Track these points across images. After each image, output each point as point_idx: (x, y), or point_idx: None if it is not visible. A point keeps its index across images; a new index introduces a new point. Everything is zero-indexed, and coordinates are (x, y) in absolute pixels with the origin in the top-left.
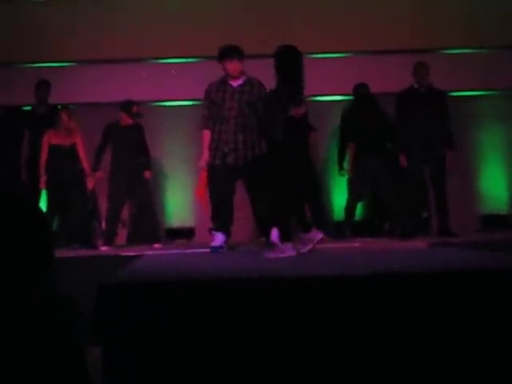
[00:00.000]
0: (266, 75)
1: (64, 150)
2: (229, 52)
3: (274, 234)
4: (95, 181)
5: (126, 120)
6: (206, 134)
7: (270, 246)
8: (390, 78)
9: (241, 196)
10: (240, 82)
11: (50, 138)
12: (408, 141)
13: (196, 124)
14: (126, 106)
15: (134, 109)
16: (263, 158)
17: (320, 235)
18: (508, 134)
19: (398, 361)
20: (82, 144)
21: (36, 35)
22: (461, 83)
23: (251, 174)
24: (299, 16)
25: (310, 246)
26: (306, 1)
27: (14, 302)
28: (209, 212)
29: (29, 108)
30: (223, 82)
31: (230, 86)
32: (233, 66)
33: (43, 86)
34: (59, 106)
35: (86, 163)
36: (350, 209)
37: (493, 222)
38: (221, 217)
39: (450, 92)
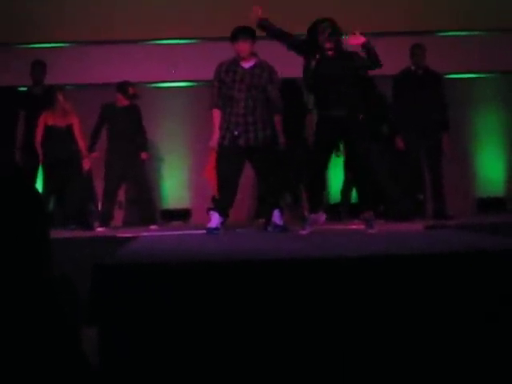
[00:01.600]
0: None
1: (60, 130)
2: (240, 32)
3: (277, 215)
4: (91, 162)
5: (122, 101)
6: (216, 114)
7: (273, 226)
8: (387, 60)
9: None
10: (251, 63)
11: (46, 119)
12: (404, 123)
13: (193, 105)
14: (122, 87)
15: (131, 90)
16: (274, 140)
17: (323, 217)
18: (505, 117)
19: (397, 342)
20: (79, 125)
21: (32, 16)
22: (458, 66)
23: (261, 155)
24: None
25: (310, 228)
26: None
27: (10, 281)
28: (210, 193)
29: (24, 89)
30: (234, 62)
31: (241, 67)
32: (243, 46)
33: (38, 66)
34: (56, 87)
35: (82, 144)
36: (346, 191)
37: (489, 204)
38: (223, 197)
39: (446, 74)
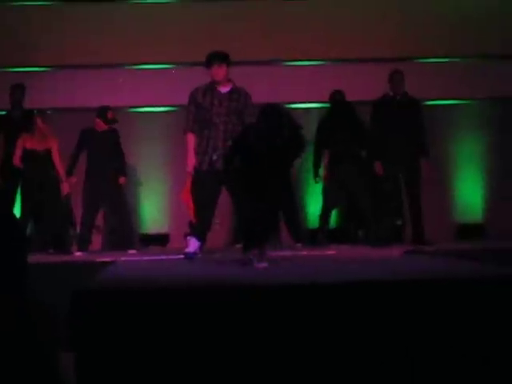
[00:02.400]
0: (244, 83)
1: (38, 154)
2: (215, 57)
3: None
4: (70, 186)
5: (101, 125)
6: (191, 138)
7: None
8: (366, 86)
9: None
10: (228, 88)
11: (24, 142)
12: (383, 149)
13: (172, 130)
14: (101, 111)
15: (109, 114)
16: None
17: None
18: (483, 143)
19: (367, 367)
20: (57, 150)
21: (12, 39)
22: (438, 92)
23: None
24: (278, 23)
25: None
26: (285, 9)
27: None
28: (187, 217)
29: (3, 112)
30: (211, 87)
31: (218, 91)
32: (218, 71)
33: (18, 89)
34: (35, 111)
35: (60, 169)
36: (324, 216)
37: (468, 231)
38: (200, 222)
39: (425, 101)
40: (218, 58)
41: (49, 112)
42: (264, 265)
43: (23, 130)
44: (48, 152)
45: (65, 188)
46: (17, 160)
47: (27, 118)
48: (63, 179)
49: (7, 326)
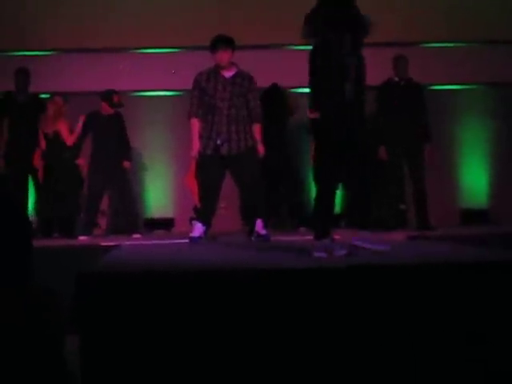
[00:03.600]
0: (248, 67)
1: (48, 137)
2: (220, 42)
3: (259, 224)
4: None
5: (107, 109)
6: (196, 123)
7: (256, 236)
8: (370, 71)
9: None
10: (232, 73)
11: (41, 126)
12: (387, 134)
13: (176, 114)
14: (107, 95)
15: (115, 98)
16: (255, 149)
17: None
18: (488, 128)
19: (375, 354)
20: (66, 130)
21: (16, 24)
22: (442, 77)
23: (244, 164)
24: (280, 7)
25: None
26: None
27: None
28: (192, 202)
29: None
30: (214, 71)
31: (222, 76)
32: (223, 55)
33: (22, 74)
34: (43, 95)
35: (70, 141)
36: None
37: (472, 216)
38: (205, 207)
39: (430, 85)
40: (223, 42)
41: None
42: (345, 251)
43: (28, 114)
44: (57, 134)
45: (83, 167)
46: (42, 145)
47: (32, 102)
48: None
49: (13, 314)
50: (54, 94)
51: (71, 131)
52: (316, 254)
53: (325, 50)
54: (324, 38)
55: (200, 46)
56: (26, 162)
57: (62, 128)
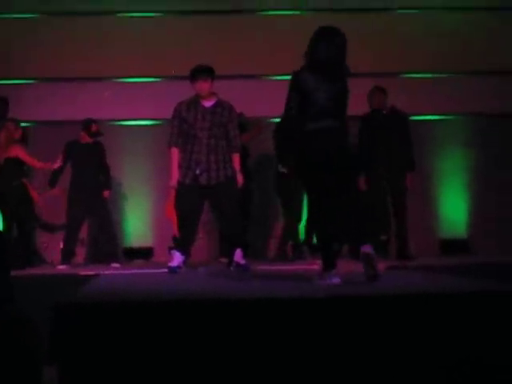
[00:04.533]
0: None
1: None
2: (199, 71)
3: (239, 254)
4: (53, 197)
5: (86, 138)
6: (175, 152)
7: (236, 265)
8: (354, 101)
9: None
10: (212, 102)
11: None
12: (370, 162)
13: (156, 143)
14: (85, 124)
15: (93, 127)
16: (234, 178)
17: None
18: (467, 158)
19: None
20: (25, 155)
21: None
22: (423, 107)
23: (223, 193)
24: (264, 38)
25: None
26: (272, 25)
27: None
28: (171, 231)
29: None
30: (194, 101)
31: (202, 106)
32: (203, 85)
33: (0, 102)
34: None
35: (37, 165)
36: (309, 229)
37: (452, 246)
38: (184, 236)
39: (411, 116)
40: (203, 72)
41: (32, 125)
42: (338, 280)
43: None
44: (8, 161)
45: (35, 197)
46: None
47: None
48: (45, 166)
49: None
50: (8, 120)
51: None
52: (317, 282)
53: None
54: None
55: (181, 76)
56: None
57: (20, 153)
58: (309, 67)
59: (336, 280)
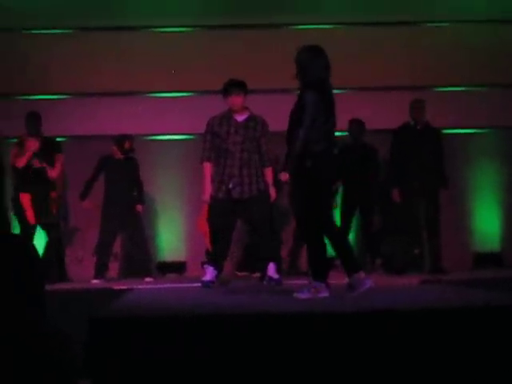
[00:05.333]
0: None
1: None
2: (233, 86)
3: (272, 268)
4: (84, 210)
5: (118, 154)
6: (208, 167)
7: (269, 279)
8: (387, 115)
9: None
10: (244, 116)
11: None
12: (403, 177)
13: (189, 158)
14: (119, 140)
15: (126, 144)
16: (267, 192)
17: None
18: (500, 172)
19: None
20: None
21: (31, 67)
22: (456, 121)
23: (256, 207)
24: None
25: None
26: (302, 38)
27: (4, 335)
28: (204, 246)
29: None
30: (227, 116)
31: (235, 120)
32: (236, 99)
33: (32, 117)
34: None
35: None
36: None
37: (485, 260)
38: (217, 251)
39: (445, 129)
40: (236, 86)
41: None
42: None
43: (41, 157)
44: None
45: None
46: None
47: (46, 145)
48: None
49: (24, 356)
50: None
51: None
52: (298, 296)
53: None
54: None
55: (214, 90)
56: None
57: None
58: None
59: (324, 293)
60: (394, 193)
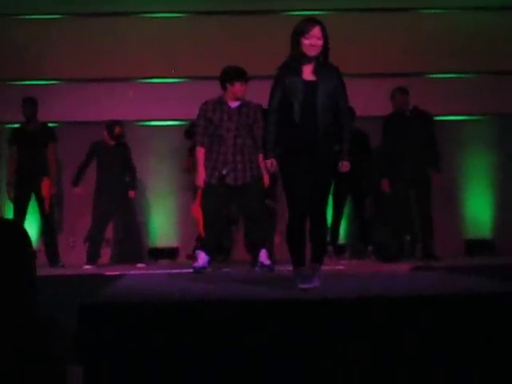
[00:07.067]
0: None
1: None
2: (237, 74)
3: (264, 254)
4: (76, 197)
5: (108, 140)
6: (201, 152)
7: (261, 265)
8: (376, 102)
9: None
10: (237, 103)
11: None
12: (395, 163)
13: (181, 143)
14: (109, 126)
15: (116, 130)
16: (260, 179)
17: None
18: (493, 158)
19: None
20: None
21: (23, 53)
22: (447, 108)
23: (249, 193)
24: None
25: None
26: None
27: None
28: (196, 231)
29: (17, 125)
30: (220, 102)
31: (228, 106)
32: (240, 88)
33: (29, 103)
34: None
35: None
36: (334, 230)
37: (477, 246)
38: (209, 236)
39: (436, 116)
40: (241, 75)
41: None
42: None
43: (38, 143)
44: None
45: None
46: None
47: (42, 130)
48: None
49: (15, 341)
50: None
51: None
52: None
53: None
54: None
55: (207, 76)
56: (34, 190)
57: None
58: None
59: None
60: (384, 183)
